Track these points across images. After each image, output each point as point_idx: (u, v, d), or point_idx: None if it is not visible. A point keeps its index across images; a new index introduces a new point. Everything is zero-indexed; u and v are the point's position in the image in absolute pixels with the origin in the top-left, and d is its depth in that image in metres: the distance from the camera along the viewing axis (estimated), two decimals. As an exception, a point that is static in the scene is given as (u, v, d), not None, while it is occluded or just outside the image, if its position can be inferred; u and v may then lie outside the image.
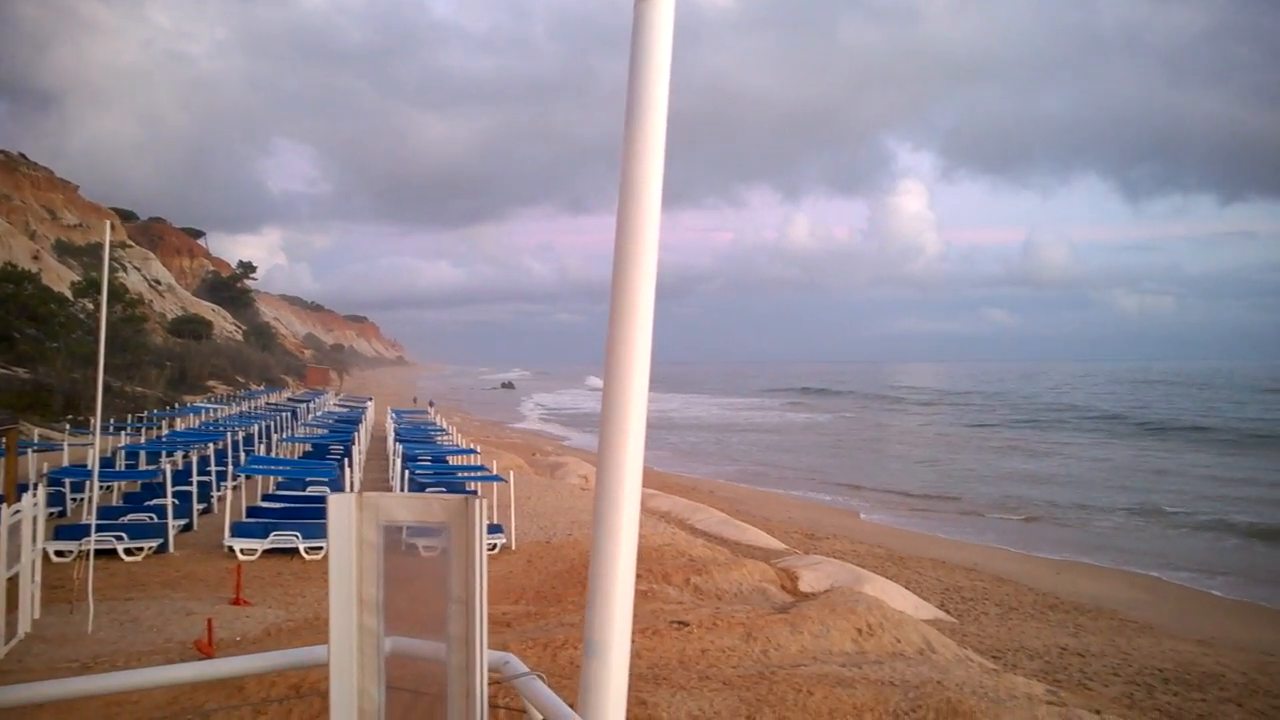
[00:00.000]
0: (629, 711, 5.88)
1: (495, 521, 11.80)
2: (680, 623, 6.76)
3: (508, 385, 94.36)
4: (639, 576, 9.10)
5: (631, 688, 5.54)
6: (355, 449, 16.75)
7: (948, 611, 9.95)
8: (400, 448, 15.97)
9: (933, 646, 6.36)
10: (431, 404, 42.06)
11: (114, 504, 12.09)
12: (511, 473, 13.22)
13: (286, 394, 43.83)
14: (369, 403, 33.83)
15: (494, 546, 11.06)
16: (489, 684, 1.62)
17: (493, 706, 1.97)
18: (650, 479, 21.15)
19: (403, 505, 1.71)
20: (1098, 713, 4.52)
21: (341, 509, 1.66)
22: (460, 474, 14.40)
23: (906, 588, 10.49)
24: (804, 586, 10.03)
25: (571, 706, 1.80)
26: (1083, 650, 8.25)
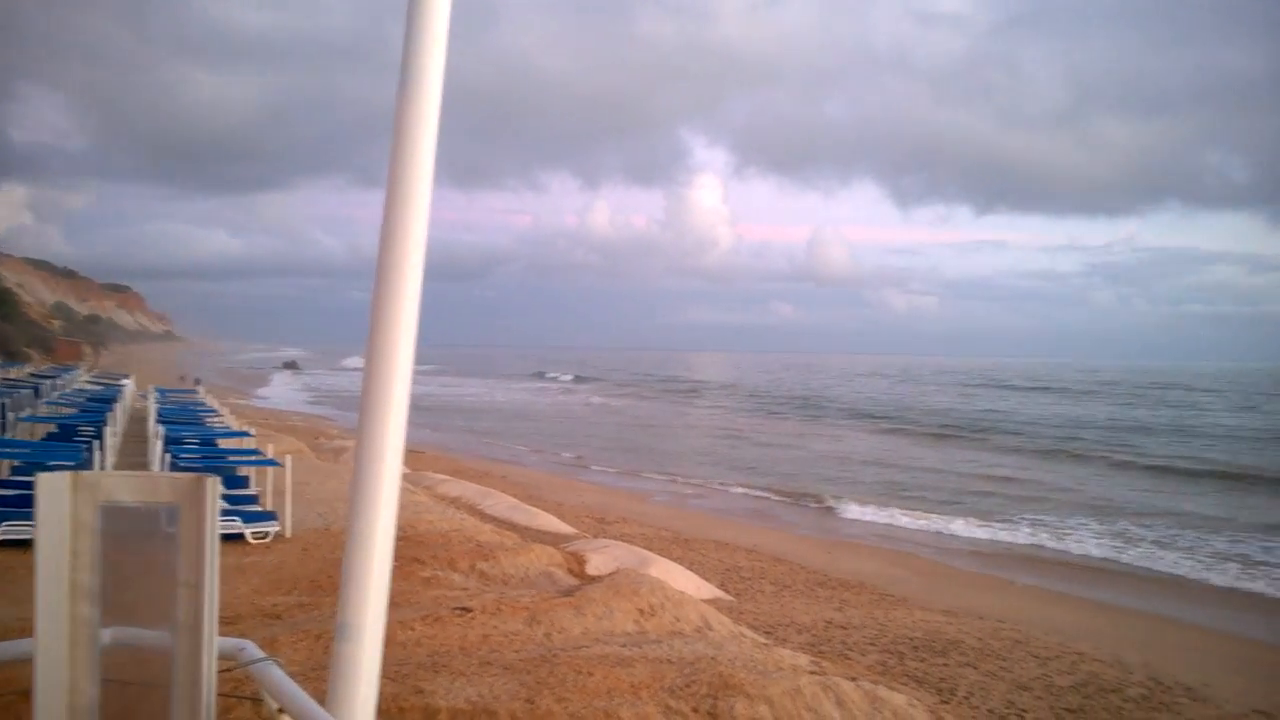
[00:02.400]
0: (406, 701, 5.62)
1: (269, 508, 11.13)
2: (463, 609, 6.63)
3: (291, 365, 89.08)
4: (422, 563, 8.80)
5: (409, 676, 5.36)
6: (108, 430, 15.27)
7: (727, 591, 10.36)
8: (162, 430, 14.70)
9: (710, 624, 6.59)
10: (198, 382, 39.13)
11: None
12: (289, 457, 12.51)
13: (28, 369, 39.36)
14: (127, 380, 30.97)
15: (266, 535, 10.43)
16: (222, 671, 1.49)
17: (228, 696, 1.83)
18: (442, 464, 20.71)
19: (126, 485, 1.53)
20: (854, 680, 4.83)
21: (52, 489, 1.48)
22: (231, 458, 13.45)
23: (690, 569, 10.83)
24: (591, 570, 10.12)
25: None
26: (845, 623, 8.83)
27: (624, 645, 5.89)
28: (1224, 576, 13.26)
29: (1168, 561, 14.16)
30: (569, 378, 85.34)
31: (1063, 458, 28.78)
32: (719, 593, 10.08)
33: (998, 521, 17.22)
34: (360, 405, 1.87)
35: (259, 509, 11.21)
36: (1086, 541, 15.53)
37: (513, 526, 13.08)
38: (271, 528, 10.65)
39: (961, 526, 16.68)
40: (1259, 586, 12.77)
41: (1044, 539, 15.79)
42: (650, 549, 11.73)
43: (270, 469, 11.84)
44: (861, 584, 11.22)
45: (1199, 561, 14.10)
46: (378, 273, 1.91)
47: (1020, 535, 16.10)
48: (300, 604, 7.58)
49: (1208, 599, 12.24)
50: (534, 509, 15.00)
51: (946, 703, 6.32)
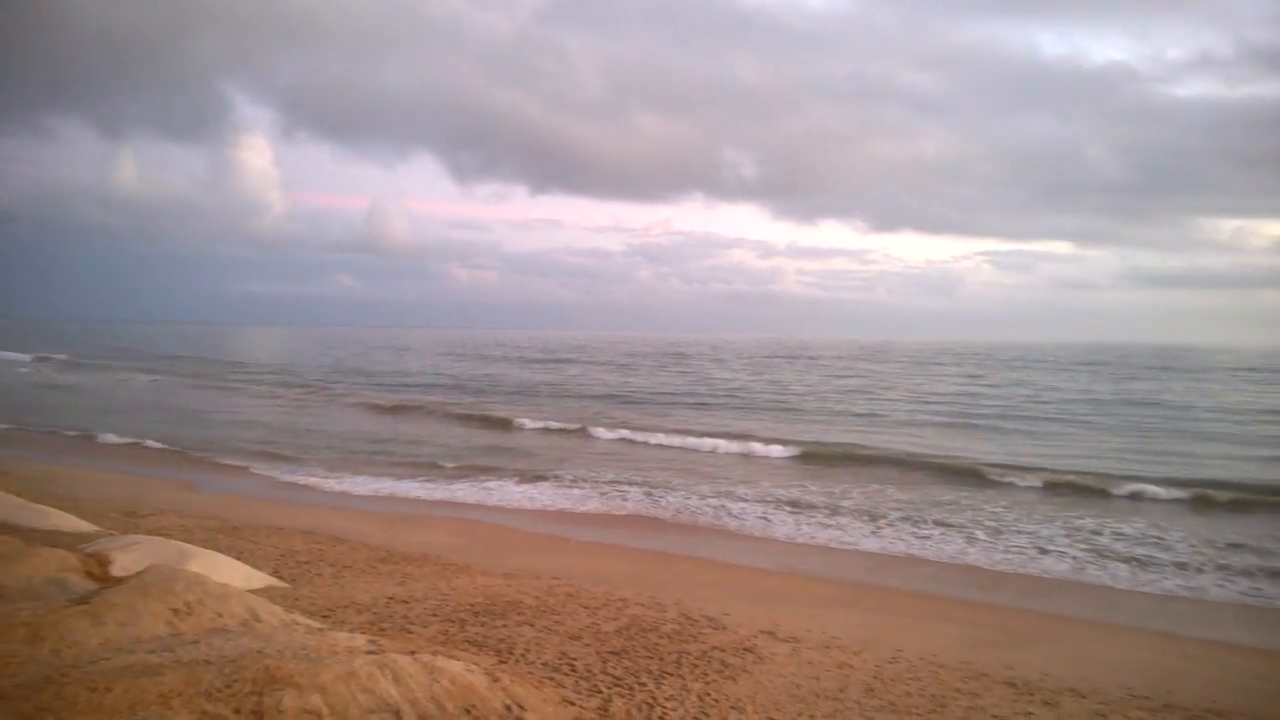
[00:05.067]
0: None
1: None
2: (-66, 635, 5.40)
3: None
4: None
5: None
6: None
7: (281, 578, 9.74)
8: None
9: (258, 616, 6.10)
10: None
11: None
12: None
13: None
14: None
15: None
16: None
17: None
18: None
19: None
20: (413, 653, 4.77)
21: None
22: None
23: (238, 559, 9.99)
24: (117, 570, 8.86)
25: None
26: (408, 597, 8.76)
27: (153, 651, 5.23)
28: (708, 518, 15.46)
29: (673, 506, 16.14)
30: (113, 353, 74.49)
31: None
32: (272, 580, 9.43)
33: (542, 483, 18.30)
34: None
35: None
36: (630, 498, 17.13)
37: (15, 530, 11.03)
38: None
39: (467, 490, 17.50)
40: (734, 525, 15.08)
41: (593, 497, 17.12)
42: (192, 541, 10.61)
43: None
44: (425, 556, 11.22)
45: (708, 504, 16.27)
46: None
47: (570, 495, 17.28)
48: None
49: (722, 539, 14.12)
50: (44, 507, 12.79)
51: (504, 662, 6.53)
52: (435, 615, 8.10)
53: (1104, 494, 17.82)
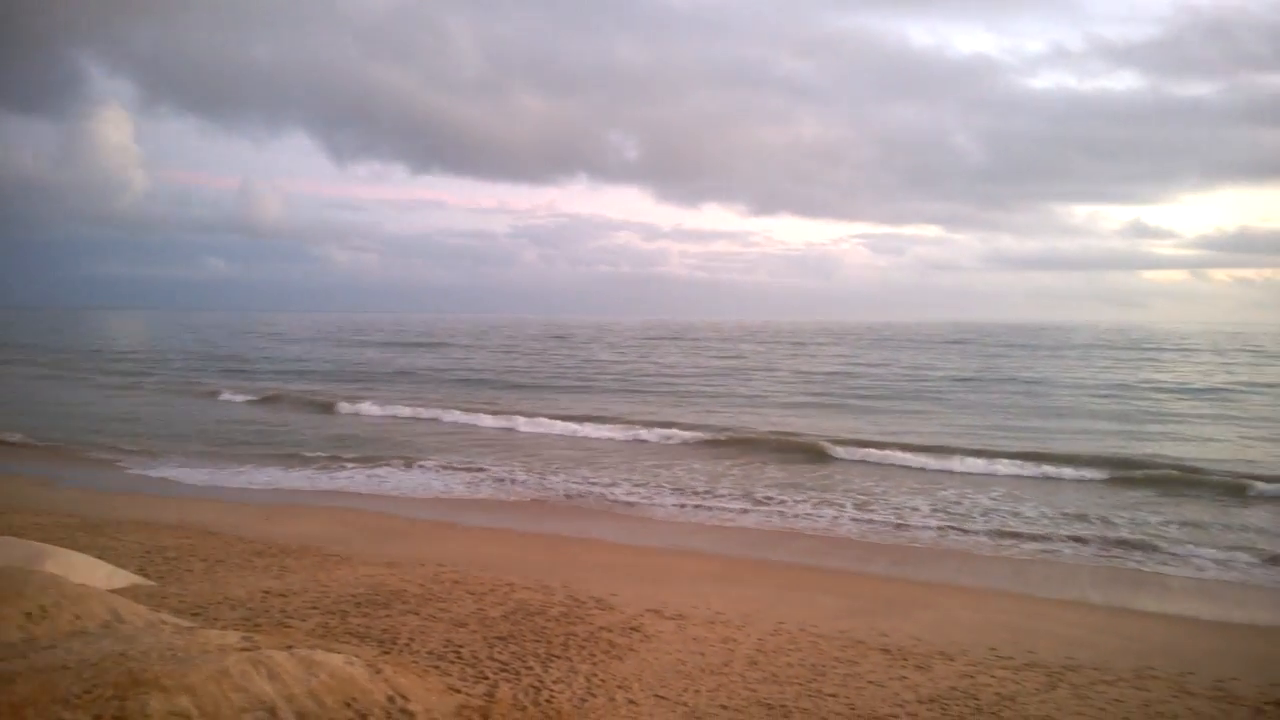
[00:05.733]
0: None
1: None
2: None
3: None
4: None
5: None
6: None
7: (147, 575, 9.28)
8: None
9: (121, 617, 5.79)
10: None
11: None
12: None
13: None
14: None
15: None
16: None
17: None
18: None
19: None
20: (290, 648, 4.62)
21: None
22: None
23: (100, 557, 9.45)
24: (-38, 575, 8.27)
25: None
26: (285, 590, 8.48)
27: (4, 659, 4.90)
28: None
29: (559, 489, 16.19)
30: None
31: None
32: (138, 579, 8.97)
33: (424, 470, 18.02)
34: None
35: None
36: (515, 483, 17.03)
37: None
38: None
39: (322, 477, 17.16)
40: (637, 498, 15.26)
41: (484, 483, 16.95)
42: (49, 540, 9.98)
43: None
44: (304, 547, 10.88)
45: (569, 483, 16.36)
46: None
47: (452, 482, 17.07)
48: None
49: (608, 521, 14.22)
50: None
51: (388, 653, 6.41)
52: (315, 608, 7.88)
53: (959, 467, 18.68)
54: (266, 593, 8.37)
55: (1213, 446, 22.01)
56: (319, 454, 19.86)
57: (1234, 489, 16.23)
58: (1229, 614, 9.58)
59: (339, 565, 9.89)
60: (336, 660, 4.84)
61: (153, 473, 17.69)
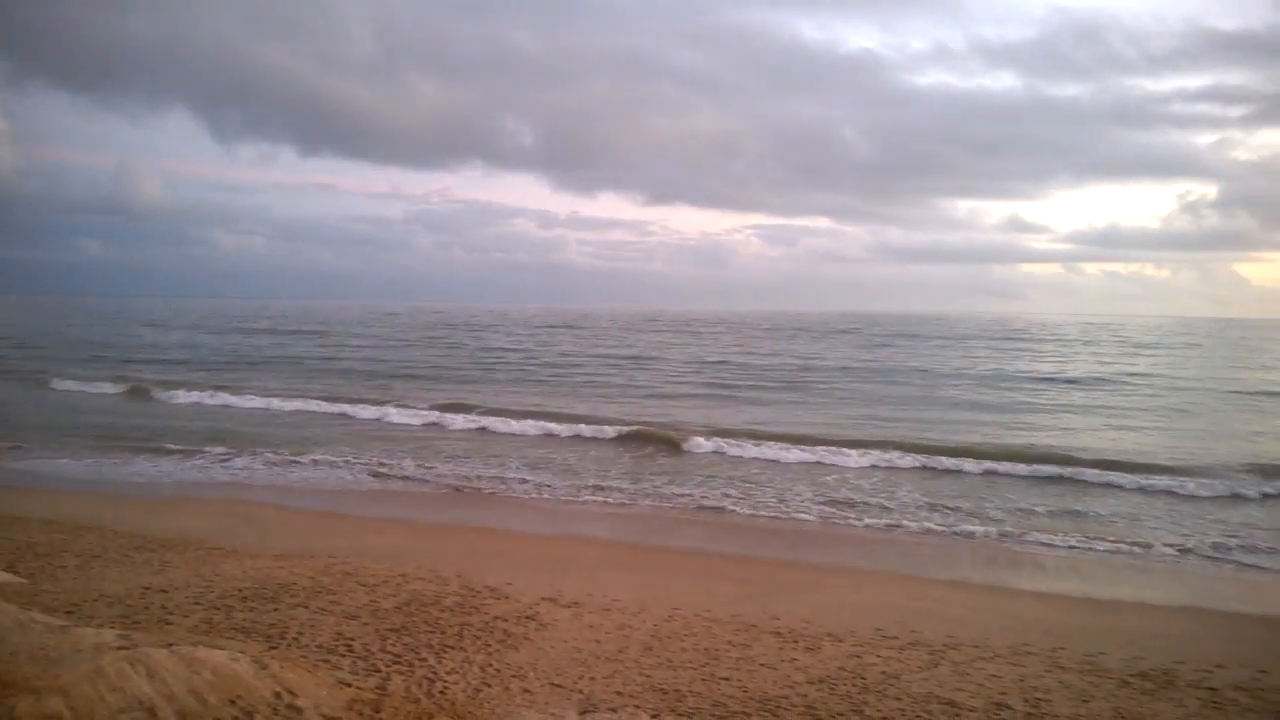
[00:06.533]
0: None
1: None
2: None
3: None
4: None
5: None
6: None
7: (16, 573, 8.77)
8: None
9: (-15, 617, 5.48)
10: None
11: None
12: None
13: None
14: None
15: None
16: None
17: None
18: None
19: None
20: (170, 646, 4.46)
21: None
22: None
23: (-40, 554, 8.91)
24: None
25: None
26: (166, 586, 8.17)
27: None
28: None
29: (452, 478, 16.05)
30: None
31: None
32: (6, 576, 8.46)
33: (313, 462, 17.58)
34: None
35: None
36: (405, 472, 16.74)
37: None
38: None
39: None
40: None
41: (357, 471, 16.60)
42: (-99, 538, 9.36)
43: None
44: (186, 541, 10.47)
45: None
46: None
47: (342, 474, 16.69)
48: None
49: (503, 509, 14.15)
50: None
51: (276, 648, 6.26)
52: (198, 603, 7.61)
53: (843, 456, 19.26)
54: (146, 589, 8.03)
55: (1085, 436, 23.30)
56: (191, 446, 19.01)
57: (1103, 479, 17.19)
58: (1097, 591, 10.20)
59: (224, 559, 9.56)
60: (220, 657, 4.69)
61: (17, 465, 16.69)
